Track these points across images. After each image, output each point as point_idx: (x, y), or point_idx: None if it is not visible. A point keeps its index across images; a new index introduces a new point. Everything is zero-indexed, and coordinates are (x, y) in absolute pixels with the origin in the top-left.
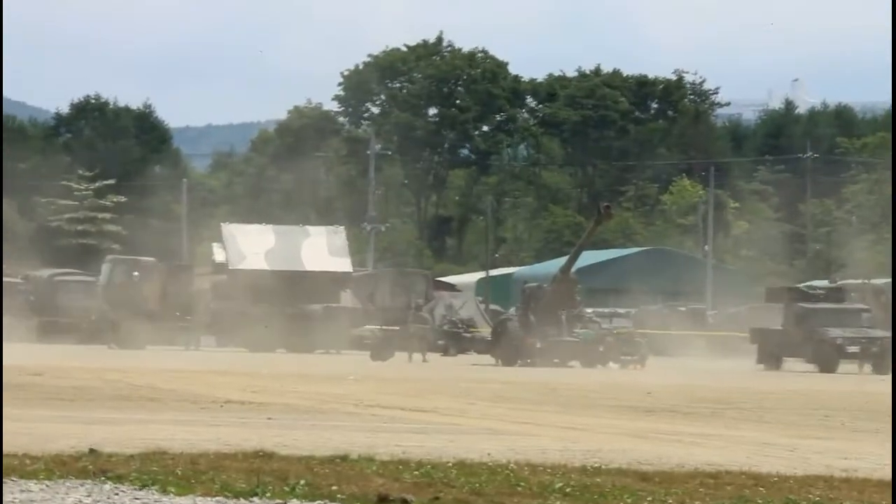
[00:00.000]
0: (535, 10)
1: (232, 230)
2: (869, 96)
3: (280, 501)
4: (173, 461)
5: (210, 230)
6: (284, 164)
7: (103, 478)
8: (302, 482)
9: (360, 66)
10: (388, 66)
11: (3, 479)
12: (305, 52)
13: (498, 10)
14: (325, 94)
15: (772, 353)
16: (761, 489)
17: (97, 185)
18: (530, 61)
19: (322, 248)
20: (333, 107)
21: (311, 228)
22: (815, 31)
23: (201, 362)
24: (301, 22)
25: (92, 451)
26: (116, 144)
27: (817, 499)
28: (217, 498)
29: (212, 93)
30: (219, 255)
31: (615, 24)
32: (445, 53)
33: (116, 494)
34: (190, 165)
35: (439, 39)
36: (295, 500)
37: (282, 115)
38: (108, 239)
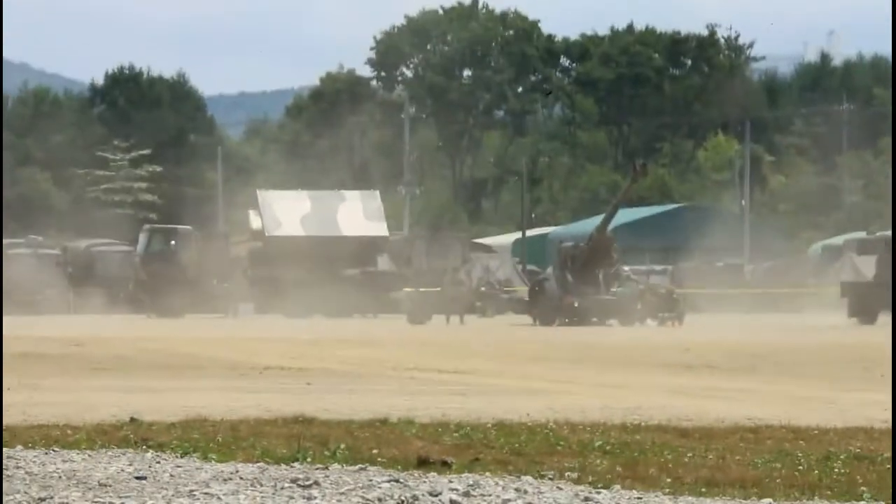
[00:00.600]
0: None
1: (267, 197)
2: None
3: (321, 466)
4: (214, 428)
5: (246, 197)
6: (319, 129)
7: (144, 446)
8: (342, 446)
9: (394, 30)
10: (421, 29)
11: (47, 450)
12: (337, 17)
13: None
14: (358, 60)
15: (864, 306)
16: (801, 442)
17: (133, 155)
18: (561, 20)
19: (358, 213)
20: (366, 72)
21: (346, 193)
22: None
23: (240, 329)
24: None
25: (133, 419)
26: (151, 114)
27: (858, 450)
28: (258, 464)
29: (244, 61)
30: (255, 222)
31: None
32: (481, 15)
33: (158, 462)
34: (224, 133)
35: (475, 2)
36: (336, 464)
37: (315, 82)
38: (145, 209)
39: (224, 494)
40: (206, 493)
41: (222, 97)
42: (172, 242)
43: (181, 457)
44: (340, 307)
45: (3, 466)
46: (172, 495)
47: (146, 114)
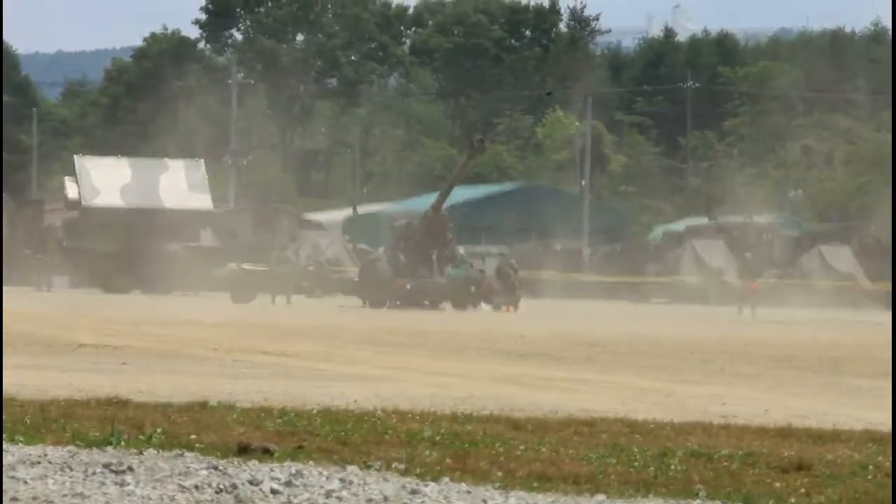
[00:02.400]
0: None
1: (85, 163)
2: (752, 22)
3: (135, 451)
4: (22, 409)
5: (62, 163)
6: (141, 93)
7: None
8: (158, 430)
9: None
10: None
11: None
12: None
13: None
14: (183, 21)
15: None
16: (637, 436)
17: None
18: None
19: (181, 183)
20: (194, 32)
21: (169, 162)
22: None
23: (52, 304)
24: None
25: None
26: None
27: (695, 447)
28: (68, 447)
29: (63, 17)
30: (71, 189)
31: None
32: None
33: None
34: (40, 94)
35: None
36: (151, 449)
37: (138, 42)
38: None
39: (31, 479)
40: (11, 478)
41: (38, 55)
42: None
43: None
44: (161, 283)
45: None
46: None
47: None
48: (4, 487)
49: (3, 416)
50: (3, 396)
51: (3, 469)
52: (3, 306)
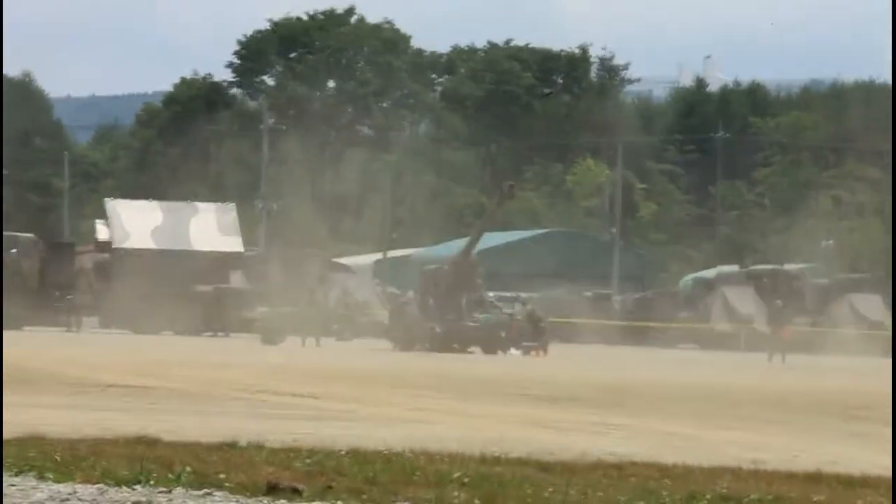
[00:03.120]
0: None
1: (116, 206)
2: (783, 74)
3: (164, 489)
4: (52, 447)
5: (94, 206)
6: (172, 137)
7: None
8: (188, 469)
9: (257, 35)
10: (286, 36)
11: None
12: (193, 20)
13: None
14: (214, 65)
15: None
16: (666, 481)
17: None
18: (435, 35)
19: (211, 227)
20: (227, 76)
21: (199, 205)
22: (727, 5)
23: (83, 344)
24: None
25: None
26: None
27: (724, 491)
28: (98, 485)
29: (96, 62)
30: (102, 232)
31: None
32: (352, 24)
33: None
34: (72, 138)
35: (349, 11)
36: (180, 488)
37: (169, 87)
38: None
39: None
40: None
41: (71, 99)
42: (13, 251)
43: (16, 475)
44: (191, 325)
45: None
46: None
47: None
48: None
49: (33, 454)
50: (33, 435)
51: None
52: (32, 347)
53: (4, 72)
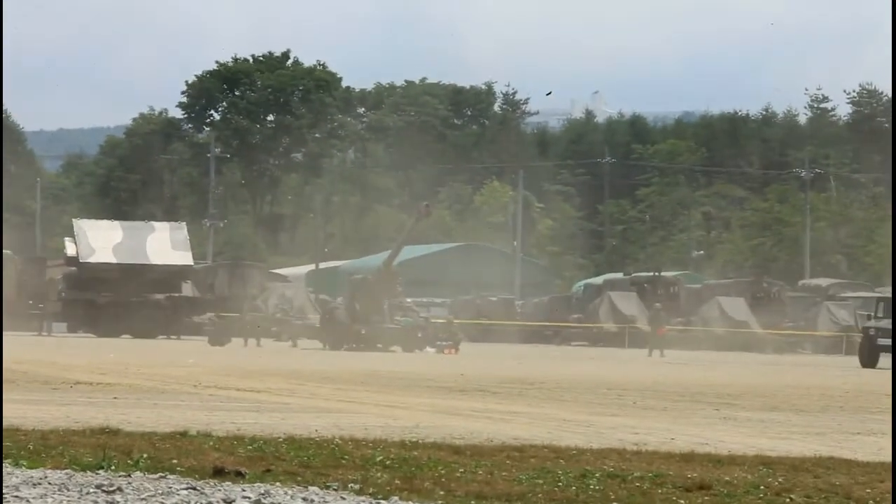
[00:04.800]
0: (364, 21)
1: (82, 225)
2: (660, 107)
3: (124, 473)
4: (25, 437)
5: (62, 226)
6: (131, 165)
7: None
8: (145, 456)
9: (206, 75)
10: (230, 76)
11: None
12: (146, 62)
13: (332, 25)
14: (168, 101)
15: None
16: (561, 461)
17: None
18: (361, 72)
19: (166, 243)
20: (178, 113)
21: (155, 224)
22: (612, 46)
23: (53, 347)
24: (143, 34)
25: None
26: None
27: (611, 469)
28: (66, 470)
29: (63, 99)
30: (70, 248)
31: (439, 38)
32: (289, 66)
33: None
34: (43, 166)
35: (285, 55)
36: (138, 472)
37: (128, 121)
38: None
39: (33, 498)
40: (16, 497)
41: (42, 132)
42: None
43: None
44: (147, 328)
45: None
46: None
47: None
48: None
49: (8, 444)
50: (7, 427)
51: (8, 489)
52: (7, 349)
53: None
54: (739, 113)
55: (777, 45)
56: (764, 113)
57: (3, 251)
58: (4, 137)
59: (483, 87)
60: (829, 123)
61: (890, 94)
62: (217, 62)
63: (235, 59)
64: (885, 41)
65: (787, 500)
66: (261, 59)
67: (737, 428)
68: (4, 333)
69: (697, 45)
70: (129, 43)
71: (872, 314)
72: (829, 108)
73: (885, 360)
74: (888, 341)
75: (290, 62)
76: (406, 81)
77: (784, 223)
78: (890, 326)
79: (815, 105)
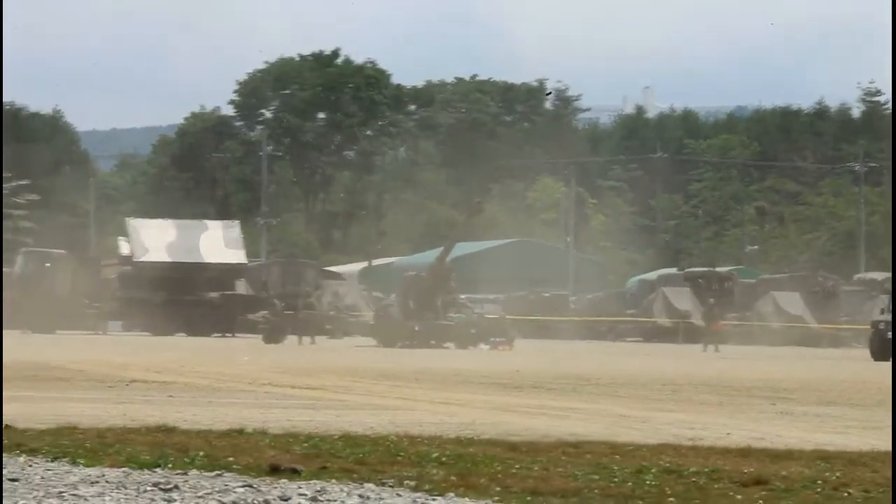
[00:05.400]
0: (417, 20)
1: (136, 225)
2: (711, 101)
3: (181, 471)
4: (83, 435)
5: (116, 225)
6: (184, 164)
7: (17, 451)
8: (201, 454)
9: (256, 73)
10: (281, 74)
11: None
12: (197, 61)
13: (385, 21)
14: (219, 100)
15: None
16: (617, 457)
17: (12, 185)
18: (412, 70)
19: (219, 241)
20: (229, 111)
21: (208, 223)
22: (663, 41)
23: (108, 345)
24: (192, 34)
25: (7, 426)
26: (29, 147)
27: (667, 465)
28: (123, 468)
29: (116, 99)
30: (124, 247)
31: (492, 36)
32: (339, 64)
33: (30, 466)
34: (96, 166)
35: (335, 53)
36: (194, 470)
37: (180, 120)
38: (22, 234)
39: (91, 496)
40: (74, 495)
41: (95, 132)
42: (47, 264)
43: (52, 461)
44: (202, 327)
45: None
46: (42, 496)
47: (25, 147)
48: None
49: (66, 442)
50: (65, 425)
51: (66, 487)
52: (63, 348)
53: (38, 109)
54: (792, 107)
55: (829, 38)
56: (817, 107)
57: (58, 251)
58: (59, 138)
59: (535, 83)
60: (883, 117)
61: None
62: (266, 62)
63: (286, 58)
64: None
65: (845, 494)
66: (309, 57)
67: (793, 423)
68: (60, 332)
69: (749, 38)
70: (179, 42)
71: (886, 308)
72: (882, 102)
73: None
74: None
75: (339, 60)
76: (456, 78)
77: (838, 217)
78: None
79: (868, 98)
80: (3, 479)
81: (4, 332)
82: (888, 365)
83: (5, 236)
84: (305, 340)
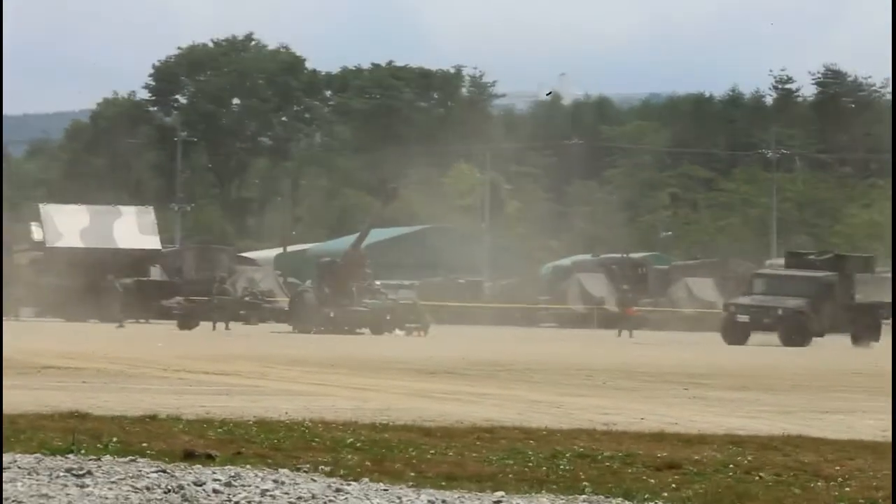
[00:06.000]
0: (335, 9)
1: (49, 210)
2: (626, 88)
3: (94, 457)
4: None
5: (28, 211)
6: (97, 149)
7: None
8: (114, 440)
9: (171, 59)
10: (196, 60)
11: None
12: (109, 46)
13: (300, 9)
14: (132, 86)
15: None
16: (531, 442)
17: None
18: (327, 56)
19: (133, 227)
20: (144, 96)
21: (122, 209)
22: (578, 28)
23: (21, 332)
24: (105, 18)
25: None
26: None
27: (581, 449)
28: (35, 455)
29: (27, 84)
30: (37, 233)
31: (407, 22)
32: (252, 50)
33: None
34: (7, 151)
35: (248, 38)
36: (108, 455)
37: (92, 106)
38: None
39: (3, 482)
40: None
41: (7, 117)
42: None
43: None
44: (115, 313)
45: None
46: None
47: None
48: None
49: None
50: None
51: None
52: None
53: None
54: (705, 94)
55: (743, 26)
56: (730, 94)
57: None
58: None
59: (451, 70)
60: (795, 104)
61: (854, 76)
62: (178, 48)
63: (199, 44)
64: (848, 22)
65: (757, 478)
66: (223, 42)
67: (706, 407)
68: None
69: (664, 26)
70: (91, 27)
71: (745, 291)
72: (794, 90)
73: (754, 337)
74: (746, 318)
75: (252, 44)
76: (373, 64)
77: (750, 204)
78: (752, 303)
79: (780, 86)
80: None
81: None
82: (804, 350)
83: None
84: (220, 327)
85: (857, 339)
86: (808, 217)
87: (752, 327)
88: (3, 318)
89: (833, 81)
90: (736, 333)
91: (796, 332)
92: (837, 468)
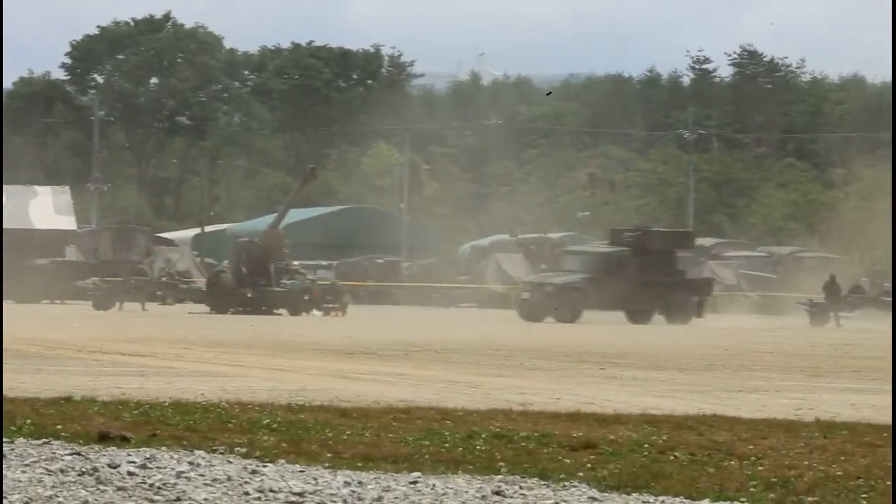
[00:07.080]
0: None
1: None
2: (545, 69)
3: (7, 440)
4: None
5: None
6: (13, 128)
7: None
8: (28, 422)
9: (88, 38)
10: (114, 39)
11: None
12: (28, 25)
13: None
14: (48, 64)
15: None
16: (448, 422)
17: None
18: (248, 36)
19: (48, 207)
20: (60, 75)
21: (38, 188)
22: (497, 8)
23: None
24: None
25: None
26: None
27: (497, 430)
28: None
29: None
30: None
31: (327, 2)
32: (169, 29)
33: None
34: None
35: (166, 17)
36: (21, 438)
37: (8, 85)
38: None
39: None
40: None
41: None
42: None
43: None
44: (31, 294)
45: None
46: None
47: None
48: None
49: None
50: None
51: None
52: None
53: None
54: (623, 74)
55: (661, 7)
56: (648, 75)
57: None
58: None
59: (371, 49)
60: (712, 85)
61: (770, 57)
62: (98, 26)
63: (117, 23)
64: (763, 3)
65: (672, 457)
66: (141, 21)
67: (622, 387)
68: None
69: (583, 7)
70: (7, 4)
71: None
72: (711, 70)
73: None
74: (528, 294)
75: (170, 23)
76: (293, 44)
77: (668, 184)
78: (535, 280)
79: (697, 66)
80: None
81: None
82: (723, 330)
83: None
84: (136, 307)
85: (633, 316)
86: (725, 197)
87: (533, 304)
88: None
89: (749, 62)
90: (524, 310)
91: (566, 307)
92: (751, 447)
